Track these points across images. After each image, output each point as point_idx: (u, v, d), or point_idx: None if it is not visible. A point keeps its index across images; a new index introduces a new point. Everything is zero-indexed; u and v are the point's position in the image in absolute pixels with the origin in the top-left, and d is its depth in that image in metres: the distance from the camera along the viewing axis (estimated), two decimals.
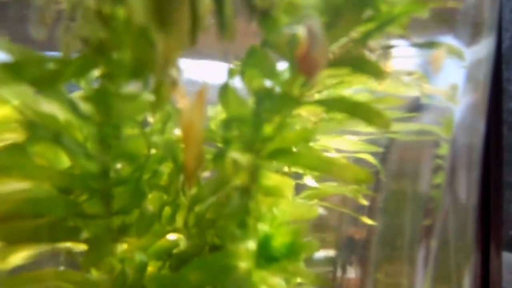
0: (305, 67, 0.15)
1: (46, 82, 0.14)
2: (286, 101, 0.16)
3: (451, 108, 0.25)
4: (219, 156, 0.17)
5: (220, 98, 0.19)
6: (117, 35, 0.14)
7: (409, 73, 0.24)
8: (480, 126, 0.27)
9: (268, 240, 0.19)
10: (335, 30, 0.17)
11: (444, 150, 0.26)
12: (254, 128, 0.17)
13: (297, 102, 0.17)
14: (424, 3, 0.18)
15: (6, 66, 0.14)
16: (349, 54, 0.17)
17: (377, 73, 0.16)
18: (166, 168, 0.22)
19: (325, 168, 0.18)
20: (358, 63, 0.16)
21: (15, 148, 0.19)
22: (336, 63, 0.16)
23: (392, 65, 0.22)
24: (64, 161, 0.20)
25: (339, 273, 0.29)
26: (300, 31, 0.15)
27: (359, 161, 0.25)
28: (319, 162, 0.18)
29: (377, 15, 0.18)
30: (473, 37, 0.24)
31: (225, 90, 0.19)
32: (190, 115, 0.15)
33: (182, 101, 0.15)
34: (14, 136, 0.20)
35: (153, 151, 0.19)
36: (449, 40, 0.24)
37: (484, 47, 0.26)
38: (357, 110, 0.17)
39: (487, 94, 0.27)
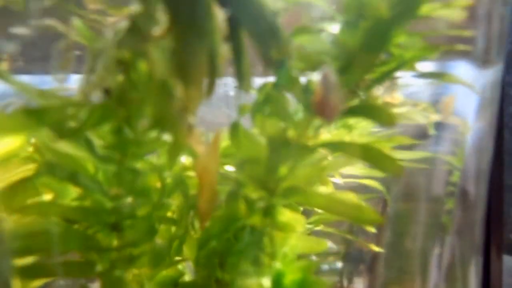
0: (322, 112, 0.16)
1: (71, 131, 0.14)
2: (300, 149, 0.17)
3: (462, 138, 0.25)
4: (233, 196, 0.18)
5: (230, 136, 0.19)
6: (137, 85, 0.14)
7: (415, 104, 0.24)
8: (489, 147, 0.27)
9: (280, 277, 0.20)
10: (347, 75, 0.17)
11: (456, 177, 0.27)
12: (269, 170, 0.17)
13: (310, 149, 0.17)
14: (435, 48, 0.19)
15: (29, 112, 0.15)
16: (361, 101, 0.17)
17: (389, 121, 0.16)
18: (174, 201, 0.22)
19: (337, 209, 0.18)
20: (369, 111, 0.17)
21: (28, 182, 0.19)
22: (348, 111, 0.17)
23: (398, 96, 0.23)
24: (71, 191, 0.21)
25: (345, 283, 0.29)
26: (315, 78, 0.16)
27: (363, 187, 0.25)
28: (331, 203, 0.18)
29: (389, 59, 0.18)
30: (484, 65, 0.25)
31: (236, 129, 0.19)
32: (205, 160, 0.16)
33: (198, 145, 0.16)
34: (24, 167, 0.20)
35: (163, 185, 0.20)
36: (462, 65, 0.24)
37: (494, 72, 0.26)
38: (369, 155, 0.17)
39: (497, 116, 0.27)
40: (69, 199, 0.20)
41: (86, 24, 0.16)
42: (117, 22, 0.15)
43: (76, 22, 0.16)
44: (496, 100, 0.27)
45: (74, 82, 0.18)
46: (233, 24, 0.14)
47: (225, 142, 0.20)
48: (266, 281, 0.19)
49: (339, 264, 0.29)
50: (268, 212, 0.19)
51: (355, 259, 0.29)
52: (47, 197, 0.20)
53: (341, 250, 0.29)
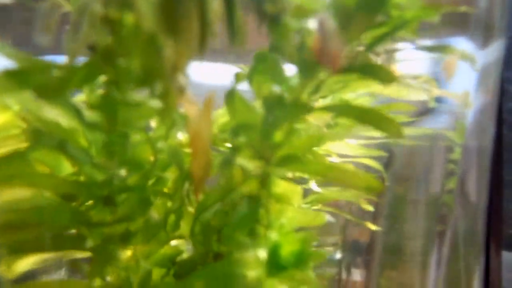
0: (325, 59, 0.15)
1: (52, 91, 0.14)
2: (296, 108, 0.16)
3: (463, 112, 0.25)
4: (227, 163, 0.17)
5: (226, 104, 0.19)
6: (124, 42, 0.14)
7: (415, 77, 0.24)
8: (490, 129, 0.27)
9: (277, 248, 0.19)
10: (345, 35, 0.17)
11: (457, 154, 0.26)
12: (264, 135, 0.17)
13: (307, 109, 0.16)
14: (436, 8, 0.18)
15: (11, 73, 0.14)
16: (358, 59, 0.16)
17: (388, 78, 0.16)
18: (170, 174, 0.21)
19: (335, 176, 0.18)
20: (367, 69, 0.16)
21: (17, 156, 0.19)
22: (345, 69, 0.16)
23: (397, 68, 0.22)
24: (66, 167, 0.20)
25: (344, 275, 0.29)
26: (312, 25, 0.15)
27: (359, 165, 0.25)
28: (329, 170, 0.18)
29: (388, 20, 0.18)
30: (485, 40, 0.24)
31: (231, 96, 0.18)
32: (197, 124, 0.15)
33: (190, 108, 0.15)
34: (15, 142, 0.20)
35: (156, 157, 0.19)
36: (462, 42, 0.24)
37: (495, 50, 0.25)
38: (368, 117, 0.16)
39: (497, 96, 0.26)
40: (64, 174, 0.20)
41: None
42: None
43: None
44: (498, 77, 0.27)
45: None
46: None
47: (224, 117, 0.20)
48: (262, 253, 0.19)
49: (338, 255, 0.29)
50: (264, 181, 0.18)
51: (353, 250, 0.28)
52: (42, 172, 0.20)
53: (338, 241, 0.28)
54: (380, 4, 0.17)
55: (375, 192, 0.18)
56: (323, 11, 0.16)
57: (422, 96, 0.24)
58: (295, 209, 0.22)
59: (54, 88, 0.14)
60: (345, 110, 0.17)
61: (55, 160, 0.20)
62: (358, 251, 0.29)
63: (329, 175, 0.18)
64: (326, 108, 0.17)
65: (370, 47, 0.17)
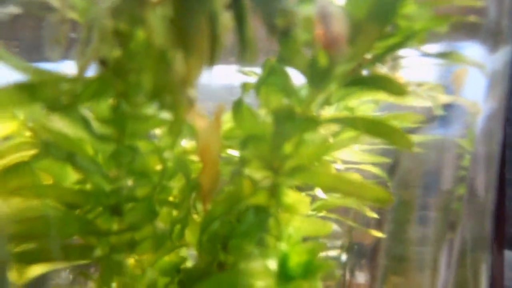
0: (328, 43, 0.15)
1: (63, 105, 0.14)
2: (307, 123, 0.16)
3: (473, 119, 0.25)
4: (236, 174, 0.17)
5: (233, 114, 0.19)
6: (135, 56, 0.14)
7: (420, 84, 0.24)
8: (499, 134, 0.27)
9: (285, 259, 0.19)
10: (354, 46, 0.17)
11: (466, 161, 0.26)
12: (274, 147, 0.17)
13: (317, 122, 0.16)
14: (445, 19, 0.18)
15: (22, 87, 0.14)
16: (370, 72, 0.16)
17: (398, 91, 0.16)
18: (176, 183, 0.22)
19: (344, 188, 0.18)
20: (378, 81, 0.16)
21: (24, 165, 0.19)
22: (355, 80, 0.16)
23: (403, 75, 0.22)
24: (71, 175, 0.20)
25: (348, 277, 0.29)
26: (313, 10, 0.15)
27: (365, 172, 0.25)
28: (338, 181, 0.18)
29: (397, 31, 0.18)
30: (494, 45, 0.24)
31: (239, 107, 0.19)
32: (207, 136, 0.15)
33: (199, 121, 0.15)
34: (22, 151, 0.20)
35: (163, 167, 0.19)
36: (472, 47, 0.24)
37: (503, 55, 0.26)
38: (377, 129, 0.17)
39: (506, 101, 0.27)
40: (68, 183, 0.20)
41: None
42: None
43: None
44: (506, 81, 0.27)
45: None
46: None
47: (228, 124, 0.20)
48: (272, 263, 0.19)
49: (343, 257, 0.29)
50: (273, 191, 0.19)
51: (357, 252, 0.29)
52: (46, 181, 0.20)
53: (344, 244, 0.28)
54: (390, 15, 0.17)
55: (383, 203, 0.18)
56: None
57: (427, 103, 0.24)
58: (303, 218, 0.22)
59: (66, 103, 0.14)
60: (354, 122, 0.17)
61: (60, 169, 0.20)
62: (363, 253, 0.29)
63: (338, 187, 0.18)
64: (335, 120, 0.17)
65: (379, 58, 0.18)
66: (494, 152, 0.27)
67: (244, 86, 0.19)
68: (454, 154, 0.26)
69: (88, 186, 0.20)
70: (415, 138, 0.25)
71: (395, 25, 0.19)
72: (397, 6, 0.17)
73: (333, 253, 0.29)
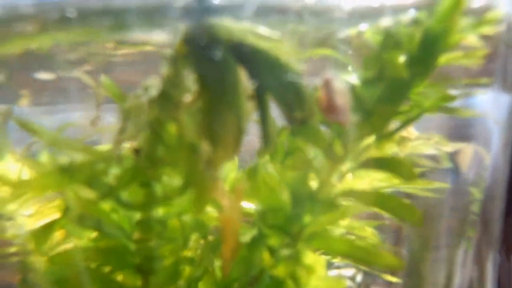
0: (333, 114, 0.17)
1: (105, 191, 0.16)
2: (324, 203, 0.18)
3: (483, 167, 0.26)
4: (256, 245, 0.19)
5: (249, 180, 0.20)
6: (167, 147, 0.15)
7: (428, 138, 0.25)
8: (506, 168, 0.28)
9: None
10: (367, 127, 0.18)
11: (476, 208, 0.27)
12: (292, 219, 0.18)
13: (334, 205, 0.18)
14: (453, 97, 0.20)
15: (63, 170, 0.16)
16: (382, 154, 0.18)
17: (409, 176, 0.17)
18: (193, 243, 0.23)
19: (357, 255, 0.19)
20: (391, 165, 0.18)
21: (54, 225, 0.20)
22: (370, 163, 0.18)
23: (413, 131, 0.24)
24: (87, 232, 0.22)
25: None
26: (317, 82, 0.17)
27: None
28: (352, 249, 0.19)
29: (409, 108, 0.19)
30: (504, 90, 0.26)
31: (255, 175, 0.20)
32: (228, 213, 0.17)
33: (222, 199, 0.17)
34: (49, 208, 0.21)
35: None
36: (487, 92, 0.25)
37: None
38: (389, 204, 0.18)
39: None
40: (86, 238, 0.22)
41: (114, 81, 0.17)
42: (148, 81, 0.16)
43: (105, 79, 0.17)
44: None
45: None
46: (260, 92, 0.15)
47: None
48: None
49: (358, 278, 0.30)
50: (293, 257, 0.20)
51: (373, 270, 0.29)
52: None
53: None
54: (401, 97, 0.18)
55: (394, 269, 0.19)
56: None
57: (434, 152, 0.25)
58: (319, 277, 0.23)
59: (108, 189, 0.16)
60: (367, 197, 0.18)
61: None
62: (379, 270, 0.29)
63: (352, 254, 0.20)
64: (349, 194, 0.19)
65: (391, 135, 0.19)
66: (500, 184, 0.28)
67: (260, 153, 0.20)
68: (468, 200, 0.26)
69: (105, 242, 0.21)
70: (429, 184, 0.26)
71: (408, 101, 0.20)
72: (408, 89, 0.18)
73: (348, 272, 0.29)
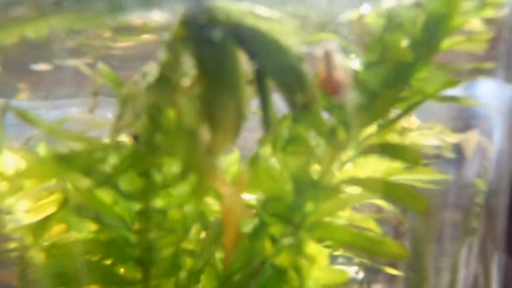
0: (329, 88, 0.16)
1: (102, 179, 0.15)
2: (326, 190, 0.17)
3: (487, 159, 0.26)
4: (258, 234, 0.19)
5: (250, 169, 0.20)
6: (166, 132, 0.15)
7: (430, 127, 0.25)
8: (511, 160, 0.28)
9: None
10: (370, 112, 0.18)
11: (480, 199, 0.27)
12: (294, 207, 0.18)
13: (337, 190, 0.18)
14: (457, 81, 0.19)
15: (60, 158, 0.15)
16: (385, 140, 0.18)
17: (414, 160, 0.17)
18: (194, 235, 0.23)
19: (361, 244, 0.19)
20: (394, 150, 0.17)
21: (52, 217, 0.20)
22: (373, 149, 0.17)
23: (415, 121, 0.23)
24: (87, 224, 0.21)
25: None
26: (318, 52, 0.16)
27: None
28: (357, 238, 0.19)
29: (411, 94, 0.19)
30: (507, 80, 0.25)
31: (256, 163, 0.19)
32: (230, 202, 0.17)
33: (223, 188, 0.16)
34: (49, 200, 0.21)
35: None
36: (488, 81, 0.25)
37: None
38: (395, 192, 0.18)
39: None
40: (86, 230, 0.21)
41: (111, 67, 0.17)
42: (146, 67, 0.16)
43: (102, 66, 0.17)
44: None
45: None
46: (260, 75, 0.15)
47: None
48: None
49: (360, 275, 0.29)
50: (295, 246, 0.20)
51: (374, 268, 0.29)
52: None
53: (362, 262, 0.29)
54: (404, 81, 0.18)
55: (399, 258, 0.19)
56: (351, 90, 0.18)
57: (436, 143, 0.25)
58: (321, 267, 0.23)
59: (105, 176, 0.15)
60: (372, 184, 0.18)
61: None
62: (382, 263, 0.29)
63: (356, 243, 0.19)
64: (353, 181, 0.18)
65: (394, 121, 0.19)
66: (506, 179, 0.28)
67: (261, 141, 0.20)
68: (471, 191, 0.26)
69: (107, 234, 0.21)
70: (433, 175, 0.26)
71: (410, 87, 0.20)
72: (411, 73, 0.18)
73: (351, 269, 0.29)
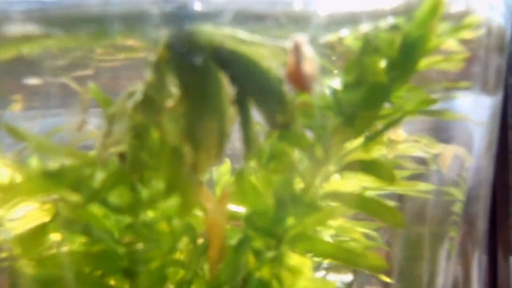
0: (296, 81, 0.16)
1: (90, 195, 0.16)
2: (308, 207, 0.18)
3: (464, 168, 0.27)
4: (240, 247, 0.19)
5: (236, 185, 0.20)
6: (150, 151, 0.16)
7: (416, 140, 0.26)
8: (490, 169, 0.28)
9: None
10: (350, 129, 0.19)
11: (458, 208, 0.28)
12: (276, 221, 0.18)
13: (318, 207, 0.18)
14: (434, 100, 0.20)
15: (49, 175, 0.16)
16: (362, 157, 0.18)
17: (389, 178, 0.18)
18: (182, 245, 0.23)
19: (343, 257, 0.20)
20: (371, 167, 0.18)
21: (41, 229, 0.21)
22: (349, 166, 0.18)
23: (402, 133, 0.24)
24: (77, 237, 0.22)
25: None
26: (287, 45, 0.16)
27: None
28: (337, 251, 0.20)
29: (390, 111, 0.20)
30: (486, 93, 0.26)
31: (241, 179, 0.20)
32: (214, 216, 0.17)
33: (207, 202, 0.17)
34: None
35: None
36: (467, 94, 0.26)
37: (494, 100, 0.27)
38: (372, 207, 0.18)
39: (496, 140, 0.28)
40: (77, 243, 0.22)
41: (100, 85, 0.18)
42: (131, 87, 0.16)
43: (92, 85, 0.18)
44: (496, 127, 0.28)
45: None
46: (241, 97, 0.15)
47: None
48: None
49: (349, 277, 0.30)
50: (277, 259, 0.20)
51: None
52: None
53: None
54: (382, 101, 0.19)
55: (379, 269, 0.20)
56: (329, 108, 0.18)
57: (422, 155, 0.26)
58: (306, 278, 0.23)
59: (92, 192, 0.16)
60: (350, 199, 0.19)
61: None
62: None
63: (338, 256, 0.20)
64: (333, 196, 0.19)
65: (373, 138, 0.19)
66: (485, 187, 0.29)
67: (246, 157, 0.20)
68: (448, 200, 0.27)
69: (97, 247, 0.22)
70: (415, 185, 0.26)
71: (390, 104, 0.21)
72: (388, 93, 0.19)
73: (346, 278, 0.30)
